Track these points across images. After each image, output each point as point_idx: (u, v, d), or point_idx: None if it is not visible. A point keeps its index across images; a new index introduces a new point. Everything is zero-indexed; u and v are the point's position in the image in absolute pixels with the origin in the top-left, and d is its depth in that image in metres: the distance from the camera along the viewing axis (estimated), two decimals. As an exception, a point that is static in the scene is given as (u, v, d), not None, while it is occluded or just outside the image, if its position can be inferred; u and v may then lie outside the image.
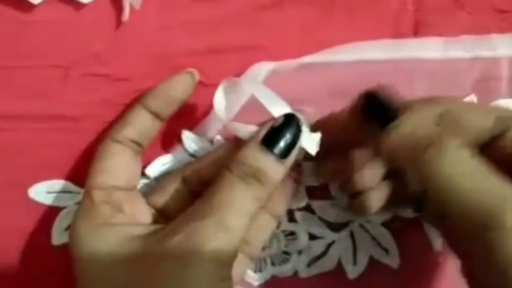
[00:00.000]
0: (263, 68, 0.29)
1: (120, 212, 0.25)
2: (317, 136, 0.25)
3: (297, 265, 0.29)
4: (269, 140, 0.23)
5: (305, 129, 0.24)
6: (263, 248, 0.29)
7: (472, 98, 0.29)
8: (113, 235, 0.23)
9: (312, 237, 0.29)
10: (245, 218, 0.22)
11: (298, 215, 0.29)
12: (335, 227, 0.29)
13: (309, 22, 0.29)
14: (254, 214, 0.23)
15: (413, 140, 0.22)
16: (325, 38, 0.29)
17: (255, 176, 0.23)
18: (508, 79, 0.28)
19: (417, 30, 0.29)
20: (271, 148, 0.23)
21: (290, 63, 0.29)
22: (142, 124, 0.26)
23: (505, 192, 0.21)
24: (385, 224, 0.29)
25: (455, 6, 0.29)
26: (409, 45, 0.29)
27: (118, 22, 0.28)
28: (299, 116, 0.24)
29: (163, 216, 0.26)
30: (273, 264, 0.29)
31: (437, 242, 0.28)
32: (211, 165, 0.26)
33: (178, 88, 0.26)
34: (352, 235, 0.29)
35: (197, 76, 0.27)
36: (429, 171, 0.22)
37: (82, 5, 0.27)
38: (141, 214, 0.25)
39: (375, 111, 0.23)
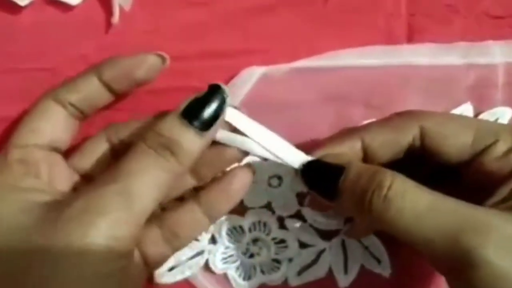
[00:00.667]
0: (254, 72, 0.28)
1: (33, 176, 0.23)
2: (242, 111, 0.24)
3: (287, 273, 0.28)
4: (190, 112, 0.22)
5: (229, 103, 0.23)
6: (252, 256, 0.28)
7: (468, 105, 0.28)
8: (17, 200, 0.22)
9: (303, 245, 0.28)
10: (153, 189, 0.21)
11: (288, 222, 0.28)
12: (326, 235, 0.29)
13: (302, 27, 0.29)
14: (164, 187, 0.22)
15: (358, 192, 0.22)
16: (317, 43, 0.29)
17: (170, 148, 0.22)
18: (503, 86, 0.28)
19: (411, 35, 0.29)
20: (191, 120, 0.22)
21: (281, 68, 0.28)
22: (88, 91, 0.25)
23: (474, 219, 0.19)
24: (376, 233, 0.28)
25: (450, 12, 0.29)
26: (403, 51, 0.28)
27: (108, 24, 0.27)
28: (225, 88, 0.23)
29: (86, 180, 0.25)
30: (262, 272, 0.29)
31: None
32: (133, 128, 0.25)
33: (142, 68, 0.25)
34: (343, 244, 0.28)
35: (167, 62, 0.26)
36: (382, 223, 0.21)
37: (71, 7, 0.27)
38: (59, 179, 0.24)
39: (316, 181, 0.23)
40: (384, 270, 0.28)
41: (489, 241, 0.19)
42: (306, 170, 0.24)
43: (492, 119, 0.28)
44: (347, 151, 0.24)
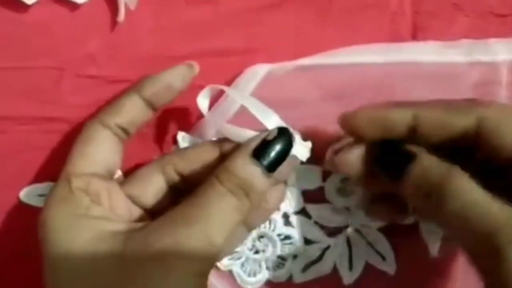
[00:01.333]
0: (259, 70, 0.28)
1: (97, 204, 0.24)
2: (308, 144, 0.25)
3: (292, 269, 0.29)
4: (260, 152, 0.23)
5: (297, 140, 0.24)
6: (257, 252, 0.29)
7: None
8: (90, 229, 0.22)
9: (308, 241, 0.29)
10: (229, 232, 0.22)
11: (293, 219, 0.29)
12: (331, 232, 0.29)
13: (306, 25, 0.29)
14: (237, 226, 0.23)
15: (426, 185, 0.22)
16: (322, 41, 0.29)
17: (244, 189, 0.23)
18: (507, 83, 0.28)
19: (415, 33, 0.29)
20: (261, 160, 0.23)
21: (286, 66, 0.28)
22: (134, 111, 0.25)
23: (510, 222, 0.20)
24: (382, 230, 0.28)
25: (454, 10, 0.29)
26: (407, 48, 0.28)
27: (113, 23, 0.27)
28: (291, 130, 0.24)
29: (140, 208, 0.25)
30: (267, 268, 0.29)
31: (434, 248, 0.28)
32: (194, 164, 0.25)
33: (177, 77, 0.26)
34: (348, 240, 0.29)
35: (197, 68, 0.26)
36: (438, 212, 0.22)
37: (77, 5, 0.27)
38: (118, 207, 0.24)
39: (387, 160, 0.24)
40: (389, 267, 0.28)
41: None
42: (379, 149, 0.24)
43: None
44: (395, 120, 0.24)
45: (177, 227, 0.22)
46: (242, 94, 0.26)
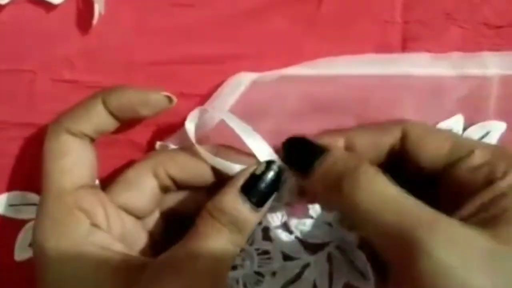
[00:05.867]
0: (243, 79, 0.27)
1: (97, 228, 0.23)
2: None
3: (271, 287, 0.28)
4: (248, 187, 0.23)
5: (286, 176, 0.24)
6: (235, 268, 0.28)
7: (459, 117, 0.27)
8: (91, 257, 0.22)
9: (287, 257, 0.28)
10: (229, 264, 0.23)
11: (273, 233, 0.28)
12: (312, 248, 0.28)
13: (294, 32, 0.28)
14: (233, 258, 0.24)
15: (332, 175, 0.22)
16: (309, 49, 0.28)
17: (237, 226, 0.23)
18: (497, 98, 0.27)
19: (405, 43, 0.28)
20: (249, 196, 0.23)
21: (272, 75, 0.27)
22: (99, 120, 0.24)
23: (427, 217, 0.20)
24: (360, 246, 0.27)
25: (446, 19, 0.27)
26: (397, 60, 0.27)
27: (91, 25, 0.26)
28: (280, 163, 0.24)
29: (133, 216, 0.25)
30: (245, 286, 0.28)
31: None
32: (187, 173, 0.25)
33: (147, 106, 0.25)
34: (329, 258, 0.28)
35: (175, 102, 0.25)
36: (347, 204, 0.21)
37: (53, 6, 0.26)
38: (113, 222, 0.24)
39: (296, 156, 0.24)
40: (369, 286, 0.27)
41: (437, 236, 0.19)
42: (289, 144, 0.25)
43: (482, 132, 0.27)
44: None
45: (178, 263, 0.22)
46: (233, 117, 0.25)
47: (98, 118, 0.24)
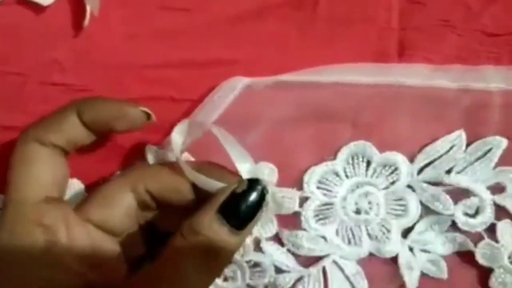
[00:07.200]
0: (236, 84, 0.27)
1: (53, 244, 0.22)
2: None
3: (261, 302, 0.27)
4: (228, 208, 0.21)
5: (271, 193, 0.22)
6: (226, 280, 0.27)
7: (460, 133, 0.26)
8: (44, 281, 0.21)
9: (279, 270, 0.27)
10: None
11: (265, 245, 0.27)
12: (305, 262, 0.27)
13: (289, 37, 0.27)
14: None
15: None
16: (304, 55, 0.27)
17: (211, 250, 0.21)
18: (499, 111, 0.26)
19: (402, 50, 0.27)
20: (229, 218, 0.21)
21: (265, 80, 0.27)
22: (72, 131, 0.23)
23: None
24: (358, 262, 0.26)
25: (443, 27, 0.27)
26: (395, 70, 0.26)
27: (81, 27, 0.26)
28: (264, 181, 0.22)
29: (105, 233, 0.23)
30: (235, 298, 0.27)
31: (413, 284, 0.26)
32: (167, 189, 0.23)
33: (123, 121, 0.23)
34: (324, 272, 0.27)
35: (153, 120, 0.24)
36: None
37: (43, 8, 0.26)
38: (78, 238, 0.22)
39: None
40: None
41: None
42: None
43: (485, 148, 0.26)
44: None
45: None
46: (221, 131, 0.23)
47: (72, 130, 0.23)
